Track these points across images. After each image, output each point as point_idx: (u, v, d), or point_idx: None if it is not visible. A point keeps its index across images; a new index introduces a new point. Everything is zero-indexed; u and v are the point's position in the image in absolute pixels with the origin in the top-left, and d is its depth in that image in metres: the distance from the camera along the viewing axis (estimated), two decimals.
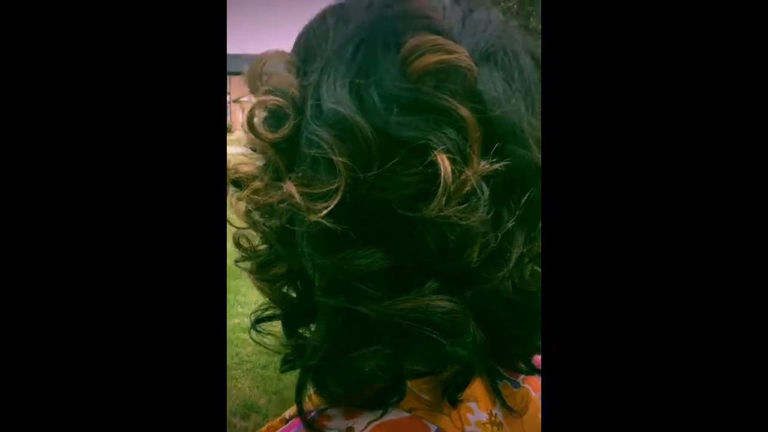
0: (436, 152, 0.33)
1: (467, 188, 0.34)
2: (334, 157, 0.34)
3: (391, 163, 0.34)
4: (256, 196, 0.39)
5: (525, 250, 0.37)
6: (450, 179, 0.33)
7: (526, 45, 0.40)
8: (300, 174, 0.36)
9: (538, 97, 0.39)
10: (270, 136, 0.38)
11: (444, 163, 0.33)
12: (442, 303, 0.35)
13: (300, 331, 0.44)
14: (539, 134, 0.37)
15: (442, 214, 0.33)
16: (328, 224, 0.34)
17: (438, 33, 0.36)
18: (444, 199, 0.33)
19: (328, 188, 0.35)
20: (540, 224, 0.39)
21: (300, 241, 0.38)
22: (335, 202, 0.34)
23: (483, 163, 0.34)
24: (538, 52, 0.41)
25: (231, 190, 0.42)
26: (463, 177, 0.33)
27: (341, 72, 0.36)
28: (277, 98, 0.38)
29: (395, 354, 0.37)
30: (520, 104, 0.37)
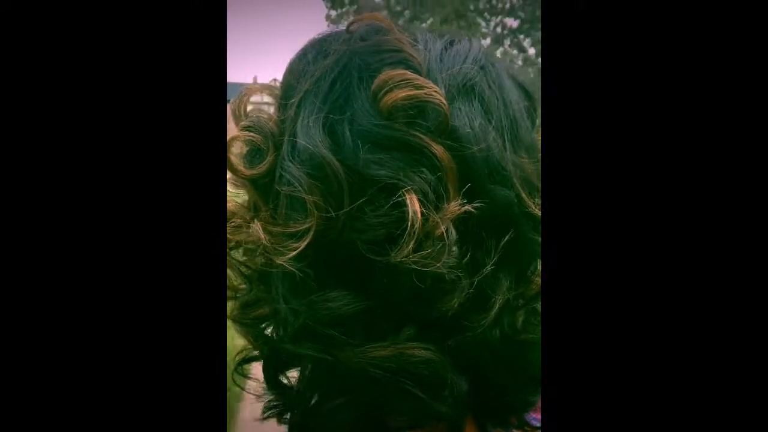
0: (405, 192, 0.31)
1: (438, 232, 0.31)
2: (306, 196, 0.33)
3: (359, 202, 0.32)
4: (236, 235, 0.37)
5: (511, 296, 0.35)
6: (418, 221, 0.31)
7: (512, 74, 0.38)
8: (271, 212, 0.34)
9: (526, 131, 0.37)
10: (247, 172, 0.37)
11: (413, 204, 0.31)
12: (418, 352, 0.33)
13: (280, 377, 0.41)
14: (529, 171, 0.35)
15: (407, 259, 0.31)
16: (290, 268, 0.33)
17: (411, 67, 0.34)
18: (412, 243, 0.31)
19: (299, 228, 0.33)
20: (532, 267, 0.36)
21: (275, 283, 0.36)
22: (305, 242, 0.33)
23: (453, 204, 0.32)
24: (529, 80, 0.39)
25: None
26: (432, 220, 0.31)
27: (316, 107, 0.35)
28: (251, 134, 0.37)
29: (374, 406, 0.34)
30: (499, 141, 0.34)
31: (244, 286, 0.42)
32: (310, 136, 0.34)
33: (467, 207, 0.32)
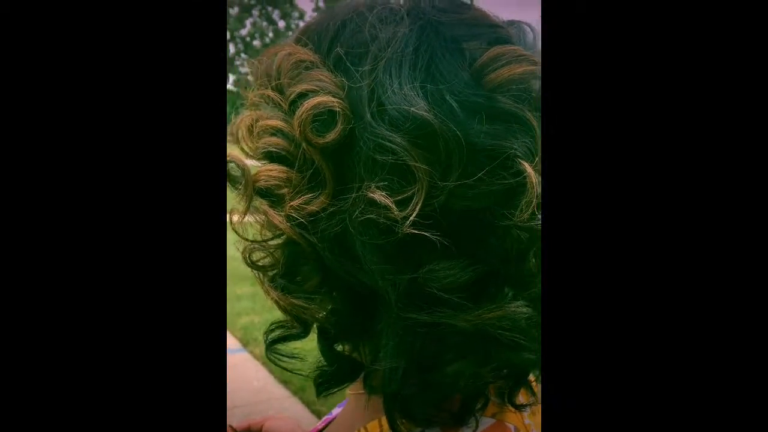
0: (521, 161, 0.34)
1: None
2: (413, 164, 0.33)
3: (483, 172, 0.34)
4: (306, 206, 0.35)
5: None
6: (538, 188, 0.34)
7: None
8: (382, 182, 0.34)
9: None
10: (319, 140, 0.35)
11: (530, 173, 0.34)
12: (524, 309, 0.36)
13: (338, 348, 0.41)
14: None
15: (530, 223, 0.34)
16: (428, 235, 0.33)
17: (507, 42, 0.36)
18: (533, 207, 0.34)
19: (402, 196, 0.33)
20: None
21: (368, 255, 0.35)
22: (416, 210, 0.33)
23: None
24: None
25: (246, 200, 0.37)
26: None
27: (406, 75, 0.35)
28: (334, 99, 0.34)
29: (483, 363, 0.36)
30: None
31: (280, 260, 0.39)
32: (414, 104, 0.33)
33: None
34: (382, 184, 0.34)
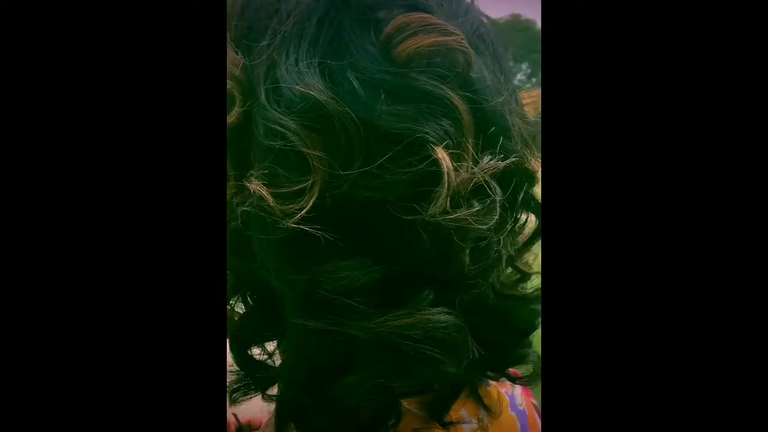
0: (432, 146, 0.29)
1: (469, 187, 0.30)
2: (306, 150, 0.29)
3: (382, 159, 0.29)
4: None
5: (511, 252, 0.35)
6: (453, 177, 0.29)
7: (504, 39, 0.37)
8: (263, 171, 0.30)
9: (517, 94, 0.36)
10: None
11: (445, 160, 0.29)
12: (443, 317, 0.32)
13: (249, 352, 0.38)
14: (527, 129, 0.35)
15: (451, 216, 0.29)
16: (310, 231, 0.29)
17: (428, 12, 0.31)
18: (447, 199, 0.29)
19: (297, 187, 0.30)
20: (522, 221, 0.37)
21: (260, 251, 0.32)
22: (310, 203, 0.29)
23: (488, 159, 0.31)
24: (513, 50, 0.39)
25: None
26: (467, 175, 0.30)
27: (303, 51, 0.31)
28: (230, 80, 0.31)
29: (389, 376, 0.33)
30: (509, 98, 0.34)
31: None
32: (307, 83, 0.29)
33: (504, 163, 0.31)
34: (263, 173, 0.30)
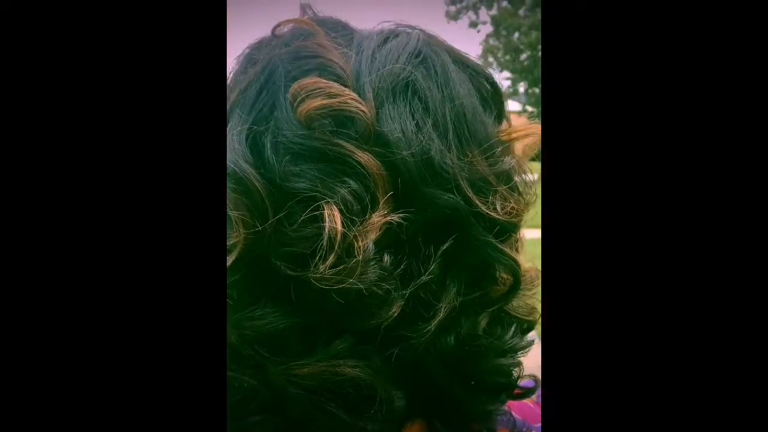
0: (324, 205, 0.31)
1: (359, 244, 0.31)
2: (230, 212, 0.32)
3: (277, 217, 0.32)
4: None
5: (467, 300, 0.34)
6: (337, 235, 0.30)
7: (465, 61, 0.37)
8: None
9: (479, 125, 0.35)
10: None
11: (330, 218, 0.30)
12: (344, 369, 0.32)
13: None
14: (479, 168, 0.34)
15: (327, 275, 0.30)
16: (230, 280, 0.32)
17: (332, 73, 0.33)
18: (330, 257, 0.30)
19: (230, 242, 0.33)
20: (494, 269, 0.35)
21: None
22: (232, 258, 0.32)
23: (375, 215, 0.31)
24: (481, 68, 0.38)
25: None
26: (353, 233, 0.31)
27: (243, 119, 0.34)
28: None
29: (295, 426, 0.33)
30: (438, 141, 0.33)
31: None
32: (233, 151, 0.33)
33: (390, 218, 0.31)
34: None
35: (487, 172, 0.34)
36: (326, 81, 0.32)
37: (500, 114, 0.39)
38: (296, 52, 0.35)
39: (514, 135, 0.38)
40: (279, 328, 0.32)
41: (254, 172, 0.32)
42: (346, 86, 0.33)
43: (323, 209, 0.31)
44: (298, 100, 0.32)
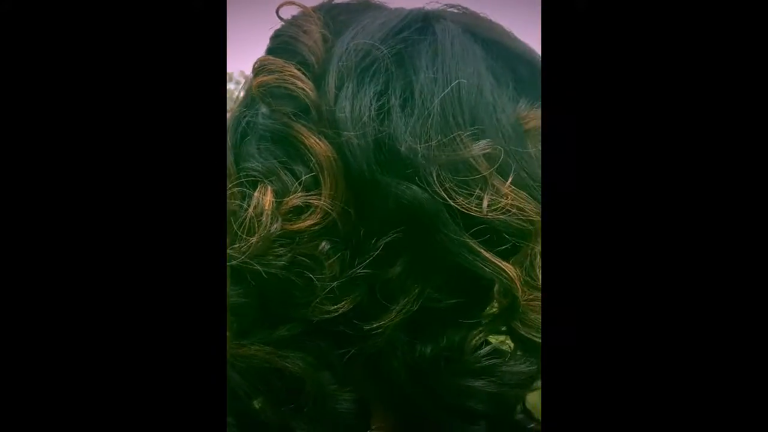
0: (261, 185, 0.31)
1: (266, 223, 0.30)
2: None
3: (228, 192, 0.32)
4: None
5: (413, 305, 0.31)
6: (259, 217, 0.30)
7: (479, 33, 0.34)
8: None
9: (476, 101, 0.31)
10: None
11: (260, 199, 0.30)
12: (274, 358, 0.31)
13: None
14: (460, 152, 0.30)
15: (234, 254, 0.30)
16: None
17: (291, 51, 0.33)
18: (255, 239, 0.30)
19: None
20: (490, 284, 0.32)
21: None
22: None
23: (293, 197, 0.30)
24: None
25: None
26: (265, 213, 0.30)
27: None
28: None
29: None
30: (398, 124, 0.30)
31: None
32: None
33: (298, 201, 0.30)
34: None
35: (464, 156, 0.30)
36: (273, 58, 0.32)
37: (532, 100, 0.34)
38: (274, 34, 0.35)
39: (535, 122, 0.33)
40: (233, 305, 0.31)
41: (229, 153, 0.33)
42: (308, 68, 0.32)
43: (255, 190, 0.31)
44: (251, 78, 0.32)
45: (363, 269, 0.30)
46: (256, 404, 0.33)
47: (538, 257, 0.31)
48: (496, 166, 0.30)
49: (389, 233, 0.30)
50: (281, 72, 0.31)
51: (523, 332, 0.32)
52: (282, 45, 0.34)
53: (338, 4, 0.37)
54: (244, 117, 0.34)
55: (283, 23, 0.35)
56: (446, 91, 0.30)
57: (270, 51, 0.34)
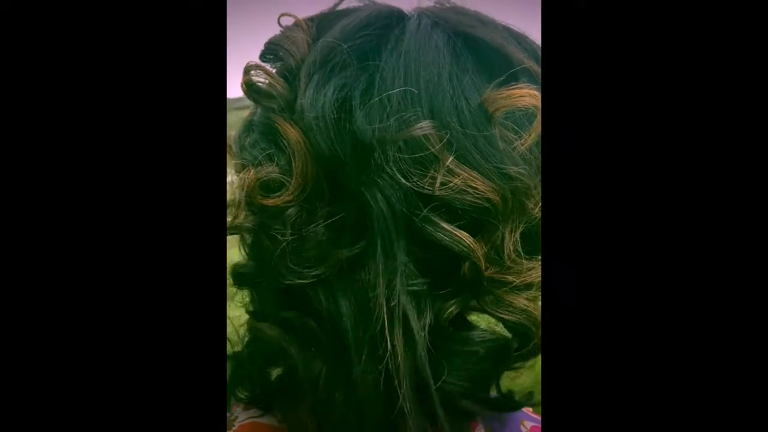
0: (250, 169, 0.35)
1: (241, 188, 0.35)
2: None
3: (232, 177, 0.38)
4: None
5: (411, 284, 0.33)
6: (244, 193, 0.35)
7: (456, 27, 0.36)
8: None
9: (442, 92, 0.33)
10: None
11: (240, 181, 0.35)
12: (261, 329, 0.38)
13: None
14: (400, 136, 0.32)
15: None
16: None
17: (272, 52, 0.37)
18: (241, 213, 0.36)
19: None
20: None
21: None
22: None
23: (252, 172, 0.35)
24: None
25: None
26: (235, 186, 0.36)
27: None
28: None
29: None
30: (357, 110, 0.33)
31: None
32: None
33: (267, 173, 0.34)
34: None
35: (405, 136, 0.32)
36: (260, 62, 0.37)
37: (503, 81, 0.34)
38: (267, 41, 0.39)
39: (506, 100, 0.33)
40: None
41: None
42: (291, 70, 0.36)
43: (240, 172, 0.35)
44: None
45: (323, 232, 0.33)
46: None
47: (513, 238, 0.34)
48: (438, 147, 0.32)
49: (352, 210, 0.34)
50: (257, 69, 0.36)
51: (491, 310, 0.35)
52: (270, 50, 0.38)
53: (339, 10, 0.40)
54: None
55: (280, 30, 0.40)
56: (395, 90, 0.33)
57: (261, 55, 0.38)
